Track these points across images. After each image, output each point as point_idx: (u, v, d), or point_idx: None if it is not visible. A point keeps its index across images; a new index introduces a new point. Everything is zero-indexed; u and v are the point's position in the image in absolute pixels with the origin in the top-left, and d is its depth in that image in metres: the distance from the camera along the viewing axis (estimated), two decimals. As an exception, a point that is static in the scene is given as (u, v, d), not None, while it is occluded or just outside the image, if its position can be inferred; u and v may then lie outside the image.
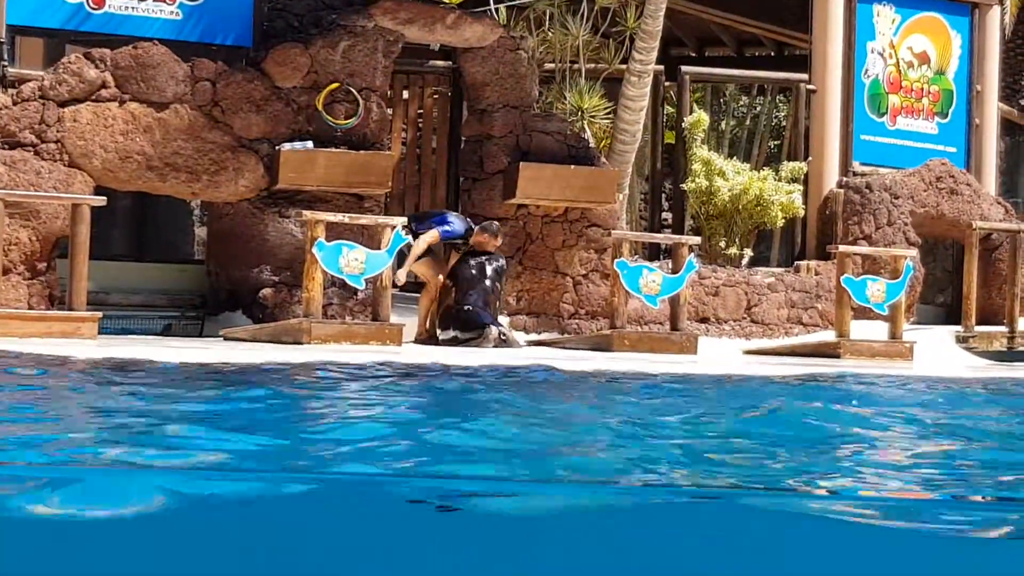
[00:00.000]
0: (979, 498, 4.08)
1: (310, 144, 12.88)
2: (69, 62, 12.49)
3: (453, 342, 12.71)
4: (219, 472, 4.33)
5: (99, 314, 11.62)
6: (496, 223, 13.31)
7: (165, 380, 8.27)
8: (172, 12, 13.02)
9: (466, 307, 12.84)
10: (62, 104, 12.41)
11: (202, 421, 5.91)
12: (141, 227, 15.17)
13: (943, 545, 3.59)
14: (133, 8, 12.89)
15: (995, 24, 17.68)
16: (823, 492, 4.20)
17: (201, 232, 16.83)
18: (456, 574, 3.47)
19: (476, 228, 13.12)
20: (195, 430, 5.45)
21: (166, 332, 13.04)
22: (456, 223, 13.06)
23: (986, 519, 3.90)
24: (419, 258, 12.88)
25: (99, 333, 11.43)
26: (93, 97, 12.48)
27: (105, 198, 12.04)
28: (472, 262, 13.03)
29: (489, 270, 13.01)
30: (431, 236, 12.82)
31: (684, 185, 15.27)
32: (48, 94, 12.38)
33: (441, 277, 13.01)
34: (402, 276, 12.78)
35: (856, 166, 16.11)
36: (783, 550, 3.61)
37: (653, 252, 15.32)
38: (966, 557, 3.49)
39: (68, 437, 5.26)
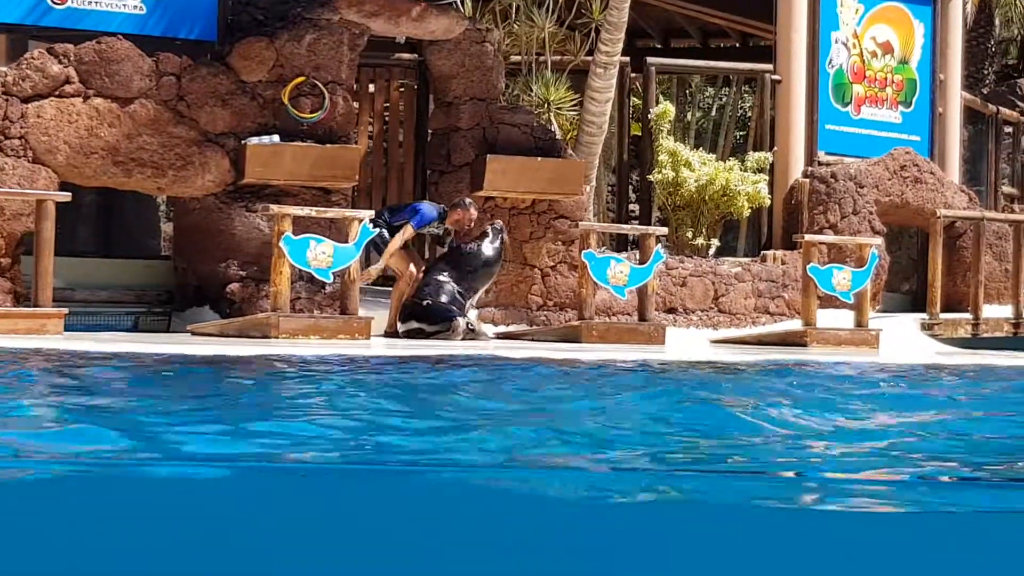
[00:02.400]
0: (946, 479, 4.12)
1: (276, 138, 12.86)
2: (32, 57, 12.42)
3: (419, 334, 12.70)
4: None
5: (65, 310, 11.57)
6: (468, 198, 13.26)
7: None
8: (135, 6, 12.96)
9: (424, 302, 12.81)
10: (25, 100, 12.34)
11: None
12: (107, 223, 15.10)
13: (907, 525, 3.63)
14: (96, 3, 12.83)
15: (957, 13, 17.79)
16: (790, 475, 4.23)
17: (168, 228, 16.77)
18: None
19: (449, 208, 13.09)
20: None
21: (134, 328, 12.97)
22: (427, 208, 13.02)
23: (953, 500, 3.94)
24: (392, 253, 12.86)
25: (65, 329, 11.39)
26: (57, 92, 12.42)
27: (70, 194, 11.98)
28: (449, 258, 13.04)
29: (463, 263, 12.99)
30: (406, 233, 12.78)
31: (651, 176, 15.31)
32: (11, 90, 12.31)
33: (414, 269, 13.00)
34: (374, 272, 12.77)
35: (821, 156, 16.19)
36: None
37: (620, 243, 15.36)
38: (934, 536, 3.52)
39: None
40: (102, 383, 7.50)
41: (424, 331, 12.72)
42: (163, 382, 7.87)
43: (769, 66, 16.24)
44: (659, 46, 20.89)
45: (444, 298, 12.84)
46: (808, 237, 14.26)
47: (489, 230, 13.15)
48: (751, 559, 3.38)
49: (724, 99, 17.47)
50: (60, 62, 12.45)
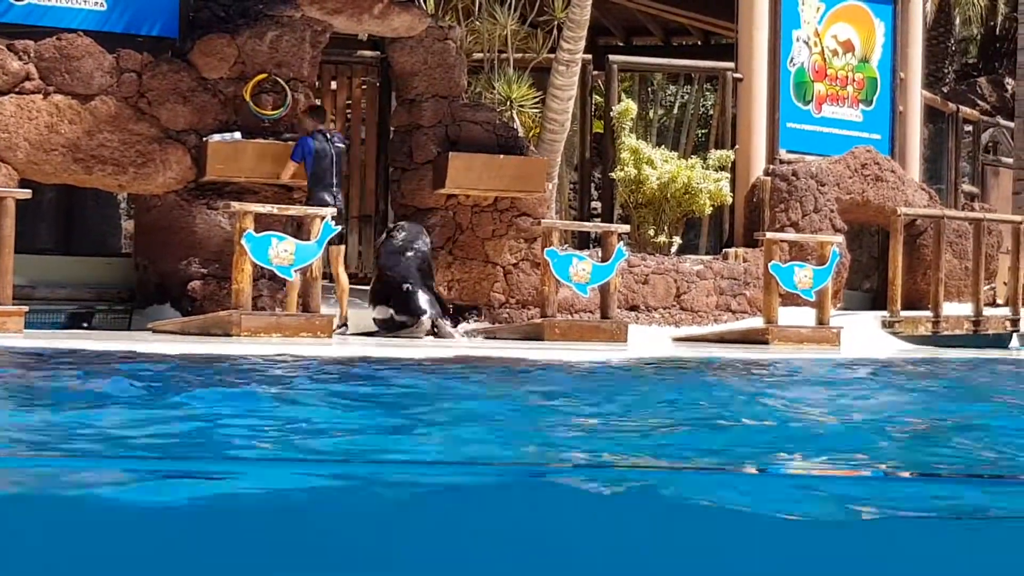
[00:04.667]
0: (907, 474, 4.14)
1: (238, 135, 12.81)
2: (-9, 54, 12.34)
3: (388, 323, 12.65)
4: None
5: (25, 308, 11.50)
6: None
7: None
8: (96, 3, 12.89)
9: (405, 285, 12.74)
10: (-15, 96, 12.25)
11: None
12: (68, 220, 15.01)
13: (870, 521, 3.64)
14: (56, -1, 12.75)
15: (918, 12, 17.90)
16: (752, 471, 4.24)
17: (129, 225, 16.68)
18: None
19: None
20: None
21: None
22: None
23: (913, 495, 3.96)
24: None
25: (25, 327, 11.32)
26: (17, 89, 12.34)
27: (30, 191, 11.91)
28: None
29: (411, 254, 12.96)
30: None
31: (613, 174, 15.34)
32: (-30, 86, 12.22)
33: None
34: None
35: (782, 154, 16.25)
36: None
37: (583, 241, 15.38)
38: (896, 534, 3.54)
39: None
40: None
41: (394, 319, 12.63)
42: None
43: (731, 64, 16.29)
44: (621, 44, 20.93)
45: (424, 292, 12.78)
46: (770, 235, 14.32)
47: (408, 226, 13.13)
48: (710, 555, 3.40)
49: (686, 97, 17.51)
50: (20, 59, 12.36)
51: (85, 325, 12.88)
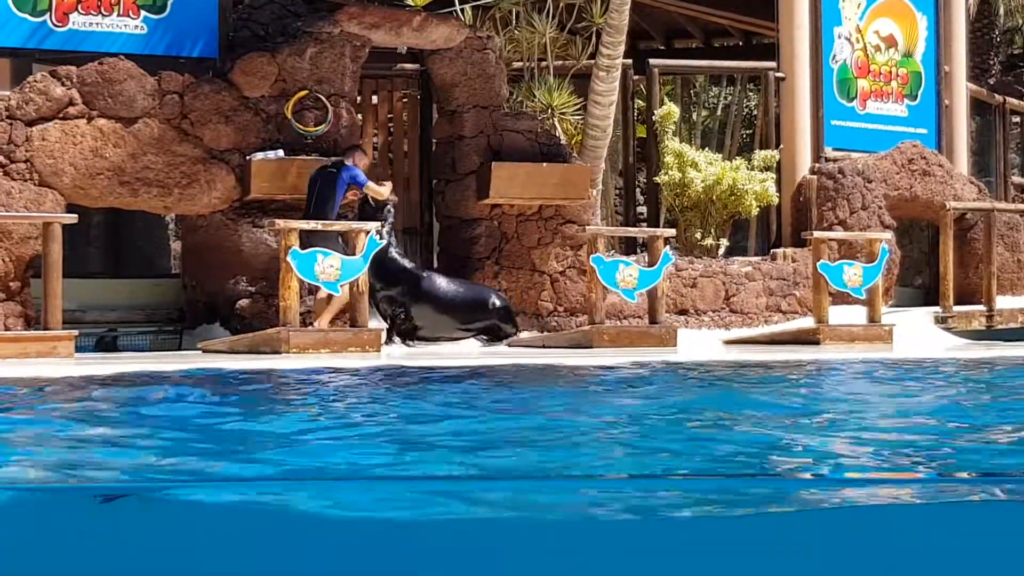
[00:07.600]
0: (964, 474, 4.07)
1: (281, 153, 12.84)
2: (35, 81, 12.42)
3: (492, 339, 13.05)
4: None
5: (75, 332, 11.55)
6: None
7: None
8: (137, 26, 12.96)
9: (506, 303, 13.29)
10: (30, 123, 12.33)
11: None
12: (116, 243, 15.10)
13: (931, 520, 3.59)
14: (97, 24, 12.82)
15: (960, 4, 17.75)
16: (808, 476, 4.19)
17: (177, 246, 16.76)
18: None
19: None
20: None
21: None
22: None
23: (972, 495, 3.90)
24: None
25: (76, 351, 11.37)
26: (61, 115, 12.42)
27: (76, 215, 11.97)
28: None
29: None
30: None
31: (657, 178, 15.27)
32: (15, 114, 12.30)
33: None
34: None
35: (828, 152, 16.14)
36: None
37: (629, 246, 15.32)
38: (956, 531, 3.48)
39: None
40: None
41: (500, 335, 13.04)
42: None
43: (772, 64, 16.19)
44: (662, 47, 20.85)
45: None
46: (817, 234, 14.22)
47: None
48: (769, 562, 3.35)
49: (729, 98, 17.42)
50: (63, 84, 12.44)
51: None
